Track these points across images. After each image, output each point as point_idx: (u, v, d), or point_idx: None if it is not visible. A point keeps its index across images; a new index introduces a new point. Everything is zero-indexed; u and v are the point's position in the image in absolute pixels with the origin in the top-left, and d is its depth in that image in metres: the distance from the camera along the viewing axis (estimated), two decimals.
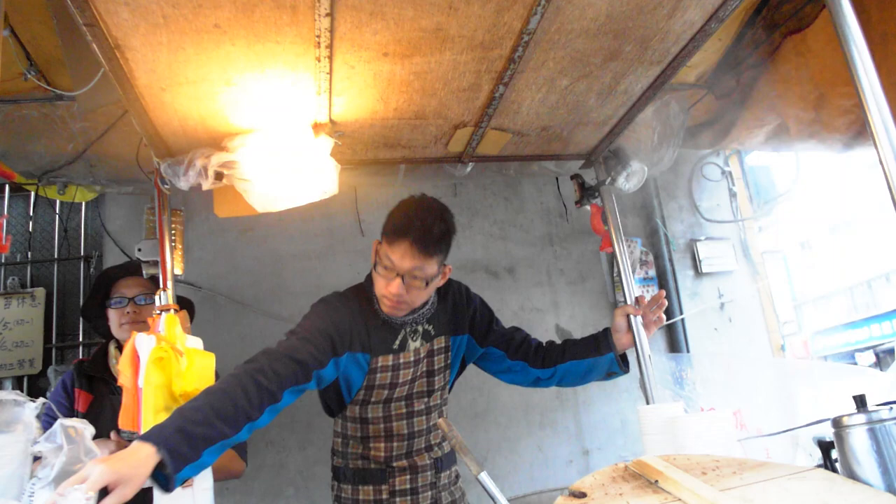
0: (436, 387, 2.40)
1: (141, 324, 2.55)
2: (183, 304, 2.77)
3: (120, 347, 2.62)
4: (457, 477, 2.52)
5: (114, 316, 2.59)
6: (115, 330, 2.58)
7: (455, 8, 1.72)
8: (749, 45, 3.26)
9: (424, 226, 2.11)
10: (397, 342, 2.28)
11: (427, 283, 2.15)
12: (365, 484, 2.34)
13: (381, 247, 2.19)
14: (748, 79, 3.38)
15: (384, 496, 2.32)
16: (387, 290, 2.14)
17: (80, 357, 3.95)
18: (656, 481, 1.45)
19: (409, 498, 2.33)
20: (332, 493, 2.46)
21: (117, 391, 2.52)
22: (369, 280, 2.33)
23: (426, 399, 2.38)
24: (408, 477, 2.34)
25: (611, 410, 4.30)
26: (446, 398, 2.51)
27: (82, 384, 2.54)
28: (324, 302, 2.32)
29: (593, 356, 2.42)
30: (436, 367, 2.38)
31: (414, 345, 2.32)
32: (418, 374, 2.35)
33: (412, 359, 2.31)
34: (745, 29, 3.22)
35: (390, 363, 2.26)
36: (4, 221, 1.09)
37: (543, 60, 2.05)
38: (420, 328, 2.34)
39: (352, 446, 2.39)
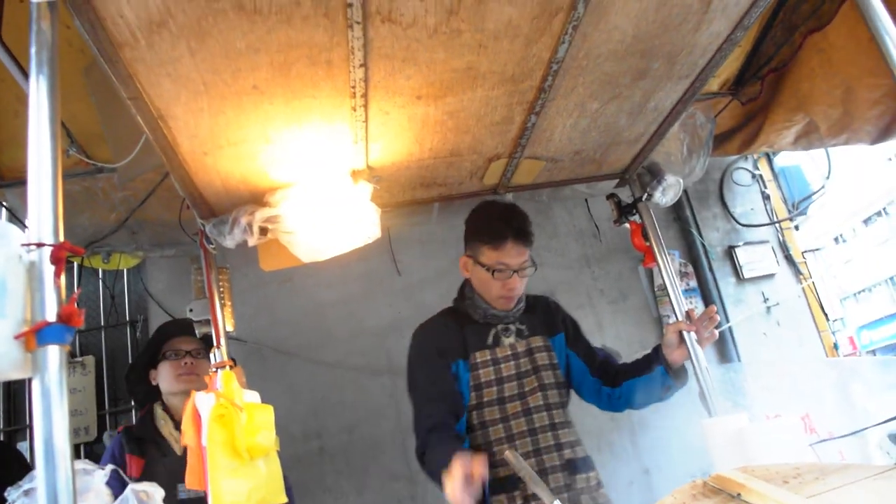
0: (546, 382, 2.44)
1: (195, 377, 2.62)
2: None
3: (166, 408, 2.66)
4: (598, 484, 2.45)
5: (169, 370, 2.65)
6: (171, 383, 2.63)
7: (484, 46, 1.75)
8: (770, 48, 3.26)
9: (518, 223, 2.41)
10: (490, 339, 2.46)
11: (530, 272, 2.45)
12: (497, 494, 2.31)
13: (483, 257, 2.42)
14: (772, 81, 3.37)
15: (518, 502, 2.30)
16: (505, 289, 2.40)
17: (132, 422, 4.01)
18: (739, 494, 1.42)
19: (564, 494, 2.29)
20: None
21: (169, 453, 2.55)
22: (461, 295, 2.60)
23: (541, 394, 2.41)
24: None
25: (666, 426, 4.22)
26: (566, 399, 2.52)
27: (132, 449, 2.56)
28: (415, 341, 2.59)
29: (647, 373, 2.44)
30: (540, 364, 2.46)
31: (508, 340, 2.47)
32: (523, 369, 2.43)
33: (509, 353, 2.45)
34: (765, 32, 3.23)
35: (488, 357, 2.43)
36: (77, 296, 1.14)
37: (573, 87, 2.07)
38: (512, 327, 2.50)
39: None
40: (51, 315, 1.05)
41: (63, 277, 1.10)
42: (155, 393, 2.71)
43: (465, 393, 2.39)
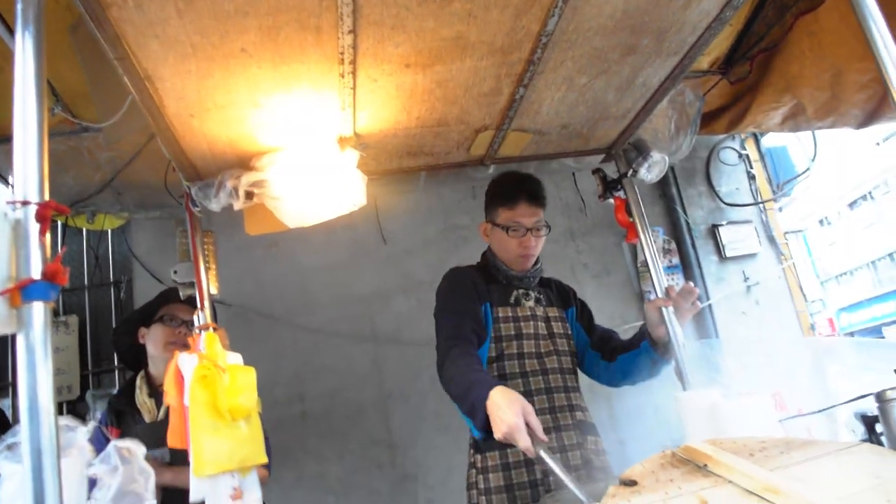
0: (559, 348, 2.55)
1: (185, 347, 2.61)
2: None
3: (148, 380, 2.68)
4: (602, 449, 2.53)
5: (160, 334, 2.65)
6: (159, 348, 2.63)
7: (474, 15, 1.75)
8: (761, 29, 3.27)
9: (531, 185, 2.54)
10: (512, 298, 2.57)
11: (544, 232, 2.56)
12: (514, 447, 2.36)
13: (499, 217, 2.55)
14: (761, 62, 3.38)
15: (509, 459, 2.37)
16: (521, 247, 2.52)
17: (118, 382, 4.04)
18: (705, 465, 1.47)
19: (558, 455, 2.35)
20: (474, 469, 2.47)
21: (139, 420, 2.56)
22: (484, 258, 2.70)
23: (556, 358, 2.52)
24: (553, 435, 2.38)
25: (643, 399, 4.30)
26: (576, 367, 2.63)
27: (112, 421, 2.59)
28: (448, 276, 2.63)
29: (636, 348, 2.54)
30: (555, 332, 2.58)
31: (528, 304, 2.59)
32: (541, 332, 2.54)
33: (529, 314, 2.55)
34: (756, 13, 3.23)
35: (510, 314, 2.52)
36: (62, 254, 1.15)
37: (562, 60, 2.07)
38: (532, 293, 2.62)
39: None
40: (36, 272, 1.06)
41: (48, 236, 1.11)
42: (139, 352, 2.71)
43: (487, 339, 2.47)
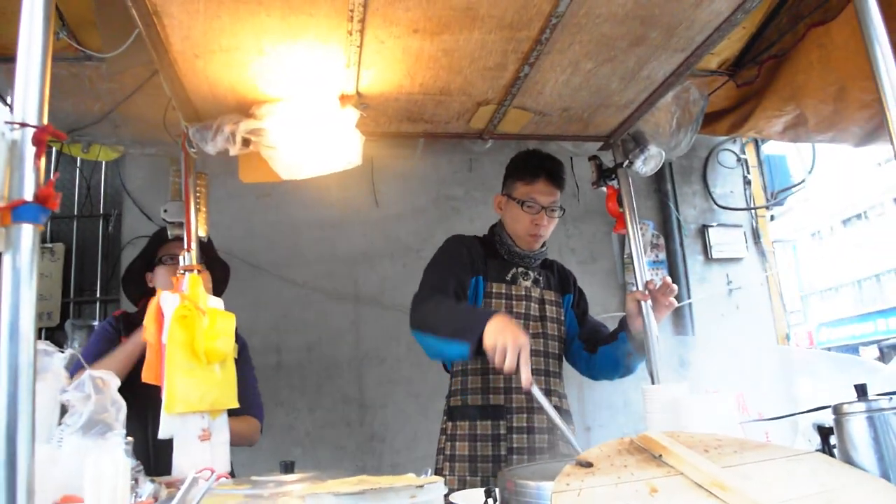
0: (549, 332, 2.58)
1: None
2: (221, 266, 2.90)
3: None
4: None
5: (165, 273, 2.66)
6: (166, 286, 2.63)
7: None
8: (773, 35, 3.27)
9: (552, 165, 2.58)
10: (509, 275, 2.59)
11: (558, 214, 2.59)
12: (484, 419, 2.45)
13: (516, 191, 2.57)
14: (770, 68, 3.39)
15: (502, 431, 2.43)
16: (533, 225, 2.54)
17: (98, 313, 4.06)
18: (660, 455, 1.51)
19: (525, 436, 2.43)
20: (444, 435, 2.54)
21: None
22: (492, 231, 2.71)
23: (542, 341, 2.55)
24: (525, 416, 2.45)
25: (614, 389, 4.36)
26: (562, 355, 2.67)
27: (123, 330, 2.61)
28: (448, 240, 2.66)
29: (614, 340, 2.59)
30: (548, 315, 2.61)
31: (525, 283, 2.61)
32: (532, 313, 2.56)
33: (523, 294, 2.57)
34: (770, 18, 3.23)
35: (503, 291, 2.54)
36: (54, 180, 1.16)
37: (570, 43, 2.08)
38: (531, 273, 2.64)
39: (472, 381, 2.51)
40: (28, 194, 1.08)
41: (43, 160, 1.12)
42: (151, 294, 2.74)
43: (468, 299, 2.50)
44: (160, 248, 2.76)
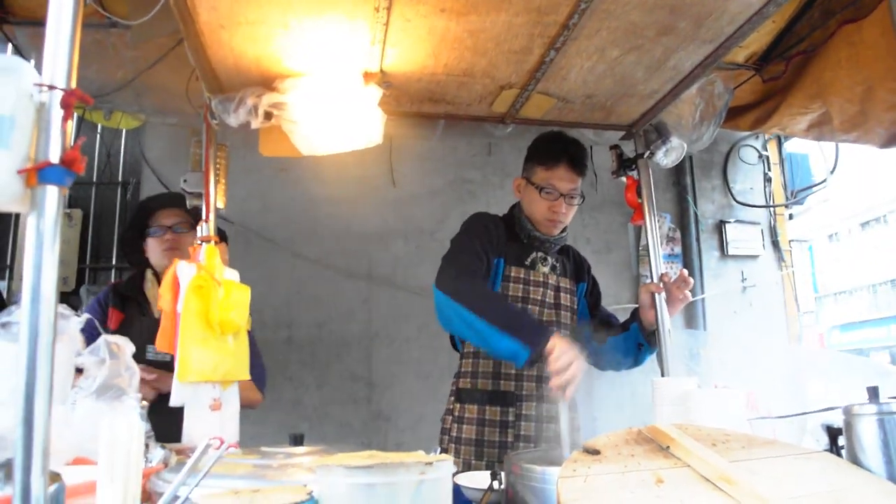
0: (563, 321, 2.56)
1: (178, 251, 2.64)
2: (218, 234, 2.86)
3: (157, 275, 2.73)
4: (578, 426, 2.60)
5: (154, 244, 2.68)
6: (157, 258, 2.68)
7: None
8: (802, 30, 3.22)
9: (575, 150, 2.52)
10: (528, 260, 2.55)
11: (578, 201, 2.55)
12: (493, 405, 2.45)
13: (536, 176, 2.52)
14: (797, 64, 3.34)
15: (510, 418, 2.43)
16: (551, 211, 2.50)
17: (114, 280, 4.09)
18: (668, 447, 1.51)
19: (533, 424, 2.43)
20: (450, 416, 2.54)
21: (147, 313, 2.62)
22: (511, 213, 2.66)
23: (556, 329, 2.46)
24: (534, 404, 2.45)
25: (621, 381, 4.36)
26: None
27: (116, 303, 2.65)
28: (472, 217, 2.61)
29: (624, 331, 2.58)
30: (562, 303, 2.58)
31: (543, 269, 2.57)
32: (548, 299, 2.54)
33: (541, 280, 2.54)
34: (800, 13, 3.18)
35: (521, 276, 2.51)
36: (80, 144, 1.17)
37: (597, 29, 2.06)
38: (549, 259, 2.60)
39: (483, 365, 2.50)
40: (54, 157, 1.08)
41: (70, 123, 1.12)
42: (147, 262, 2.76)
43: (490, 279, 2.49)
44: (149, 219, 2.76)
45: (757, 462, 1.49)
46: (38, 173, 1.07)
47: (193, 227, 2.70)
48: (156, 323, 2.50)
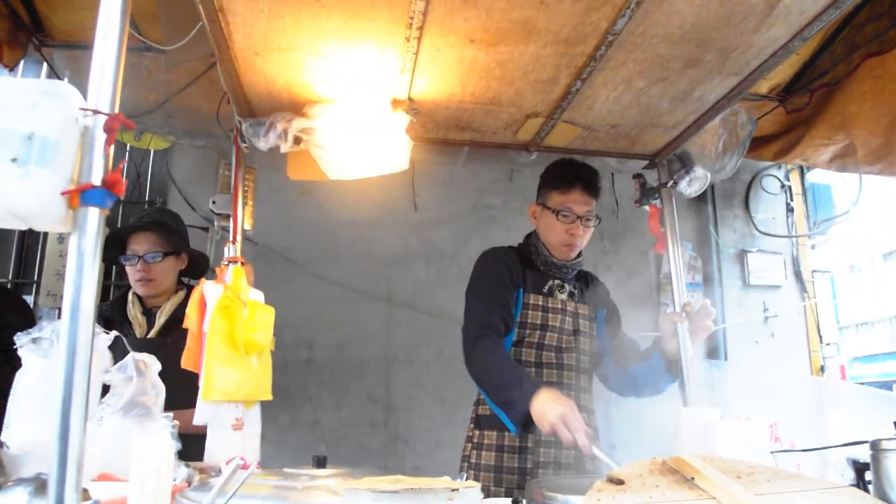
0: (582, 346, 2.56)
1: (152, 281, 2.66)
2: (199, 259, 2.89)
3: (139, 297, 2.73)
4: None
5: (129, 272, 2.70)
6: (133, 285, 2.71)
7: (546, 3, 1.77)
8: (826, 63, 3.23)
9: (588, 174, 2.53)
10: (546, 287, 2.56)
11: (594, 224, 2.56)
12: (491, 429, 2.46)
13: (551, 201, 2.54)
14: (821, 96, 3.35)
15: (529, 444, 2.42)
16: (568, 234, 2.51)
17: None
18: (692, 478, 1.50)
19: (552, 450, 2.42)
20: (470, 443, 2.54)
21: (129, 334, 2.63)
22: (527, 241, 2.68)
23: (575, 356, 2.53)
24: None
25: (641, 408, 4.29)
26: (592, 370, 2.65)
27: (100, 325, 2.65)
28: (485, 255, 2.64)
29: (646, 359, 2.56)
30: (581, 329, 2.58)
31: (561, 296, 2.58)
32: (567, 327, 2.54)
33: (559, 307, 2.54)
34: (824, 46, 3.20)
35: (540, 303, 2.52)
36: (123, 166, 1.20)
37: (623, 61, 2.09)
38: (567, 286, 2.61)
39: None
40: (97, 179, 1.12)
41: (112, 147, 1.16)
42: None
43: (512, 321, 2.49)
44: (125, 245, 2.70)
45: (782, 496, 1.48)
46: (80, 195, 1.10)
47: (170, 254, 2.71)
48: (139, 344, 2.51)
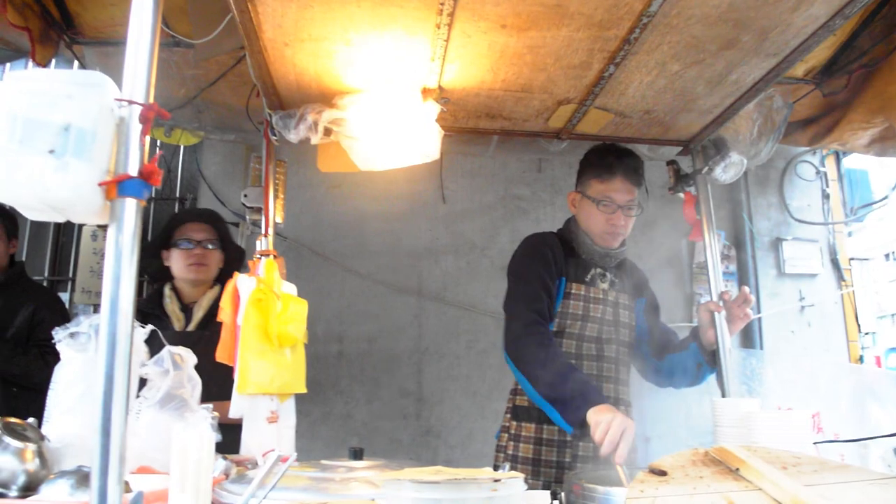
0: (622, 338, 2.52)
1: (205, 266, 2.74)
2: (235, 248, 2.95)
3: (175, 290, 2.78)
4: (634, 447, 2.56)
5: (179, 257, 2.75)
6: (181, 270, 2.74)
7: None
8: (864, 44, 3.14)
9: (630, 161, 2.48)
10: (588, 276, 2.51)
11: (636, 212, 2.52)
12: (550, 423, 2.37)
13: (591, 190, 2.49)
14: (859, 78, 3.26)
15: (568, 437, 2.37)
16: (609, 224, 2.46)
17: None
18: (737, 469, 1.47)
19: (591, 444, 2.37)
20: (506, 434, 2.51)
21: (168, 327, 2.66)
22: (567, 227, 2.62)
23: (615, 347, 2.49)
24: None
25: (675, 400, 4.27)
26: (630, 361, 2.61)
27: (137, 321, 2.67)
28: (531, 238, 2.59)
29: (683, 349, 2.52)
30: (621, 320, 2.53)
31: (603, 286, 2.53)
32: (607, 318, 2.49)
33: (601, 296, 2.50)
34: (863, 26, 3.10)
35: (582, 293, 2.47)
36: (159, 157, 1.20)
37: (658, 44, 2.04)
38: (609, 275, 2.55)
39: None
40: (133, 170, 1.11)
41: (147, 138, 1.15)
42: (166, 272, 2.82)
43: (553, 310, 2.45)
44: (176, 231, 2.82)
45: (830, 487, 1.44)
46: (117, 186, 1.10)
47: (220, 247, 2.81)
48: (175, 336, 2.55)
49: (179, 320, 2.71)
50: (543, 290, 2.38)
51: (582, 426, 2.02)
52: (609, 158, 2.49)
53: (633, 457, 2.02)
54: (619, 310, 2.54)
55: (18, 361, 2.97)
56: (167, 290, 2.78)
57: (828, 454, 2.25)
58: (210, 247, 2.78)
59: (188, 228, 2.81)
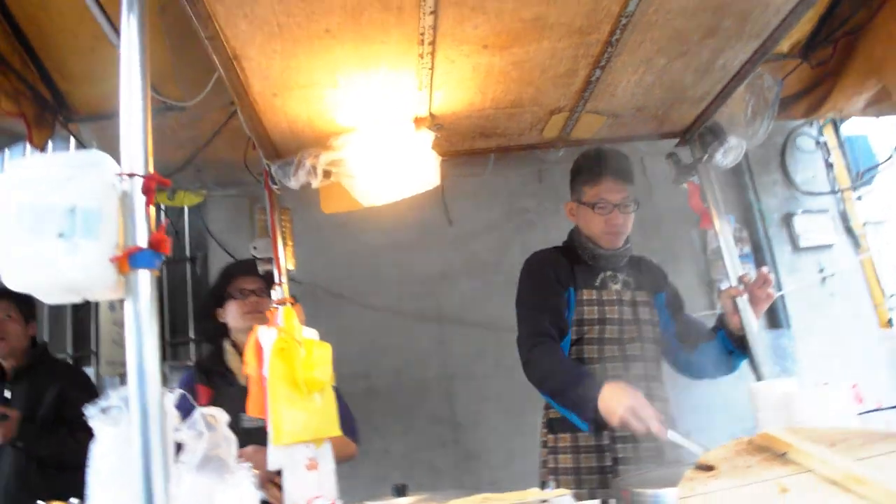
0: (645, 335, 2.51)
1: (260, 314, 2.69)
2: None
3: (235, 345, 2.79)
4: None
5: (235, 308, 2.75)
6: (237, 321, 2.74)
7: None
8: (845, 11, 3.15)
9: (614, 161, 2.52)
10: (598, 281, 2.53)
11: (633, 209, 2.53)
12: (564, 432, 2.42)
13: (585, 195, 2.54)
14: (845, 45, 3.26)
15: (605, 441, 2.37)
16: (608, 225, 2.49)
17: (194, 353, 4.19)
18: (785, 453, 1.45)
19: (630, 445, 2.37)
20: (545, 448, 2.51)
21: (234, 383, 2.67)
22: (571, 237, 2.66)
23: (639, 345, 2.49)
24: None
25: (710, 390, 4.21)
26: (660, 356, 2.60)
27: (202, 380, 2.70)
28: (528, 263, 2.65)
29: (712, 339, 2.50)
30: (641, 318, 2.54)
31: (615, 287, 2.55)
32: (626, 317, 2.50)
33: (615, 297, 2.52)
34: None
35: (594, 297, 2.49)
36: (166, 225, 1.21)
37: (641, 42, 2.05)
38: (619, 276, 2.57)
39: None
40: (142, 241, 1.12)
41: (152, 208, 1.16)
42: (222, 329, 2.83)
43: (569, 321, 2.47)
44: (229, 285, 2.84)
45: (882, 458, 1.42)
46: (129, 259, 1.11)
47: (269, 293, 2.78)
48: (243, 391, 2.55)
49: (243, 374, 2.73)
50: (543, 310, 2.43)
51: (598, 423, 2.09)
52: (595, 162, 2.54)
53: (665, 420, 2.02)
54: (638, 308, 2.53)
55: (47, 442, 2.98)
56: (227, 346, 2.80)
57: (874, 425, 2.22)
58: (262, 294, 2.80)
59: (240, 282, 2.83)
